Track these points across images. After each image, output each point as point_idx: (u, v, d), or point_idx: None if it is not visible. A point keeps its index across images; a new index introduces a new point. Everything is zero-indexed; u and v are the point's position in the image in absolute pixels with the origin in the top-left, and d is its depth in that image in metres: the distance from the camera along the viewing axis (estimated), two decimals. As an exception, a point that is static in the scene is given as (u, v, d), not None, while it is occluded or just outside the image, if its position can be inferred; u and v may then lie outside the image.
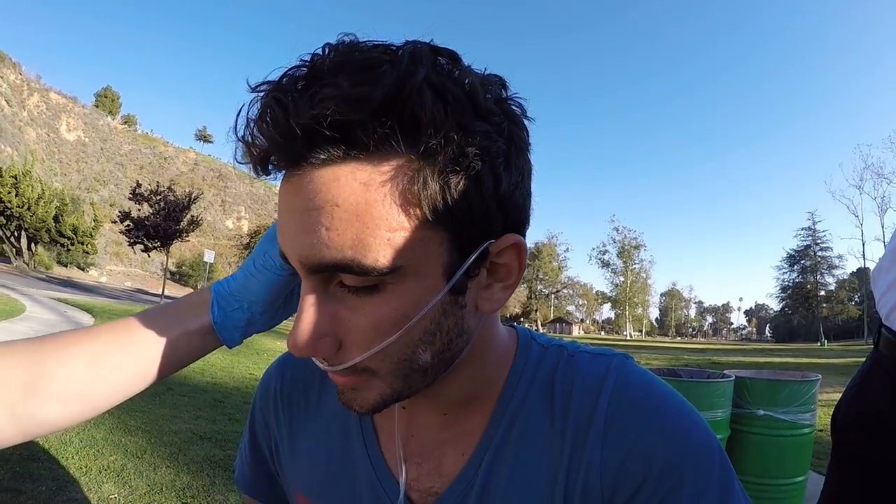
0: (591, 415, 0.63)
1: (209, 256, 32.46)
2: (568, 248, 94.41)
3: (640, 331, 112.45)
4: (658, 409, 0.63)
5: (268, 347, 13.55)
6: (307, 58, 0.51)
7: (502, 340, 0.70)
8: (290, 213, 0.53)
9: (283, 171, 0.53)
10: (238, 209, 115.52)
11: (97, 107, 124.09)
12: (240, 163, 0.55)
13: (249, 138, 0.52)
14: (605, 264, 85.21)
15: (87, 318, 13.02)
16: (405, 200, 0.50)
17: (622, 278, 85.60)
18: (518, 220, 0.58)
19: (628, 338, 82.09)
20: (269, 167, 0.53)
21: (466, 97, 0.51)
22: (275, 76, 0.52)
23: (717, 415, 3.60)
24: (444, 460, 0.69)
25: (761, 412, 3.70)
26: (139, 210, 32.02)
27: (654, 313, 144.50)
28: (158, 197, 31.73)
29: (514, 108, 0.56)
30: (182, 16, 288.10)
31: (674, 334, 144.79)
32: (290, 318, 0.68)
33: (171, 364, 0.72)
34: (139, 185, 32.45)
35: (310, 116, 0.47)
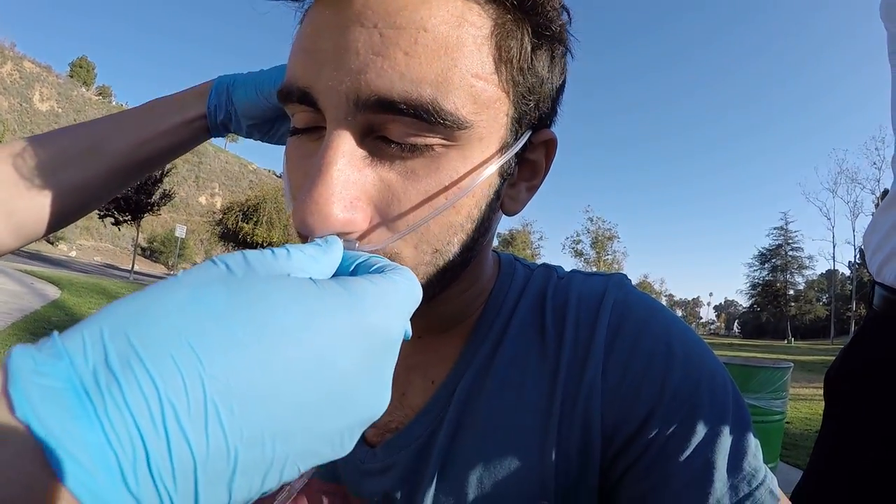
0: (590, 336, 0.55)
1: (180, 231, 32.10)
2: (542, 237, 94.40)
3: None
4: (666, 329, 0.55)
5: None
6: None
7: (489, 259, 0.61)
8: (347, 29, 0.42)
9: None
10: (212, 185, 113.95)
11: (72, 77, 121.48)
12: None
13: None
14: (579, 254, 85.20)
15: (52, 290, 12.76)
16: (495, 51, 0.45)
17: (595, 268, 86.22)
18: (553, 119, 0.54)
19: None
20: None
21: None
22: None
23: None
24: (409, 389, 0.60)
25: (759, 402, 3.70)
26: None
27: None
28: (128, 169, 31.14)
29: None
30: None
31: None
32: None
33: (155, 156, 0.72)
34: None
35: None
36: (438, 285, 0.49)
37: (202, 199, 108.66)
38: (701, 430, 0.50)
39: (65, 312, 10.11)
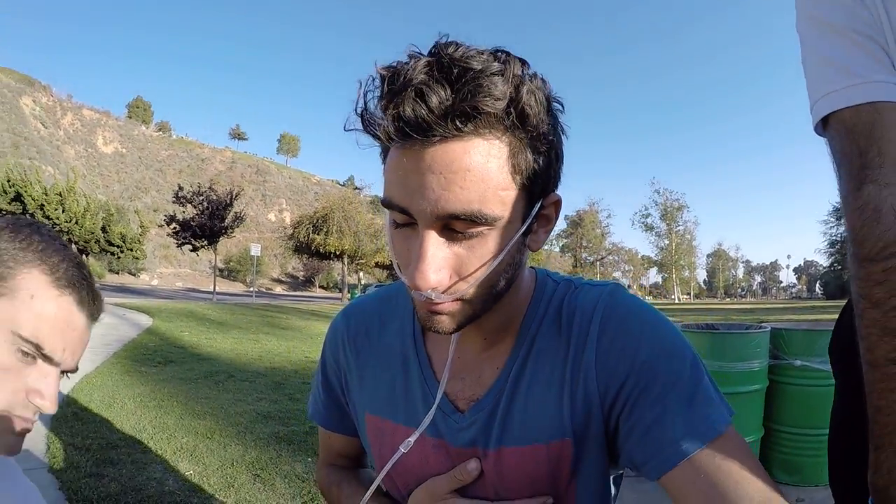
0: (587, 330, 0.84)
1: (255, 250, 33.15)
2: (610, 214, 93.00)
3: (689, 294, 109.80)
4: (639, 321, 0.83)
5: (320, 331, 13.88)
6: (416, 51, 0.66)
7: (527, 277, 0.90)
8: (426, 175, 0.65)
9: (411, 143, 0.65)
10: (279, 202, 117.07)
11: (130, 118, 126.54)
12: (369, 129, 0.68)
13: (397, 111, 0.63)
14: (649, 228, 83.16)
15: (144, 319, 13.53)
16: (511, 168, 0.68)
17: (667, 241, 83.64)
18: (557, 184, 0.78)
19: (677, 301, 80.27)
20: (402, 138, 0.65)
21: (546, 99, 0.70)
22: (385, 61, 0.67)
23: (753, 365, 3.59)
24: (482, 373, 0.89)
25: (798, 362, 3.68)
26: (184, 212, 32.60)
27: (701, 275, 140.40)
28: (201, 197, 32.23)
29: (556, 104, 0.74)
30: (201, 19, 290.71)
31: (722, 296, 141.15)
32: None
33: None
34: (181, 189, 32.97)
35: (454, 101, 0.63)
36: (491, 305, 0.77)
37: (271, 216, 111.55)
38: (661, 388, 0.77)
39: (159, 338, 10.70)
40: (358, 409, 1.00)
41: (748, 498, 0.67)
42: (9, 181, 32.79)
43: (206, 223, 31.25)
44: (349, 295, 44.71)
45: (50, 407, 0.78)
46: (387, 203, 0.71)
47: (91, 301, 0.84)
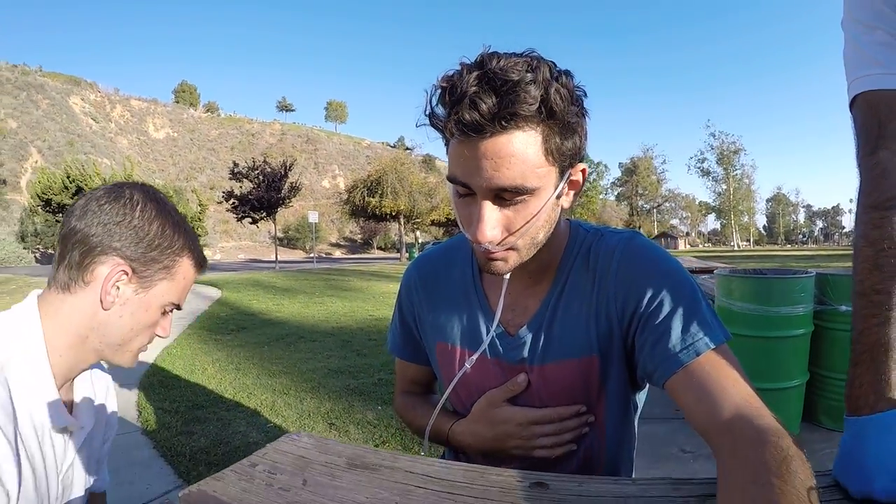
0: (608, 267, 1.04)
1: (313, 217, 33.62)
2: (665, 160, 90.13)
3: (748, 240, 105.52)
4: (650, 260, 1.02)
5: (382, 291, 14.19)
6: (466, 61, 0.85)
7: (563, 228, 1.10)
8: (482, 160, 0.85)
9: (468, 138, 0.84)
10: (331, 168, 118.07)
11: (178, 102, 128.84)
12: (436, 126, 0.89)
13: (458, 116, 0.82)
14: (706, 173, 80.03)
15: (213, 291, 14.07)
16: (544, 151, 0.87)
17: (724, 186, 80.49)
18: (583, 155, 0.96)
19: (736, 248, 77.41)
20: (462, 135, 0.85)
21: (569, 92, 0.86)
22: (447, 69, 0.87)
23: (798, 310, 3.56)
24: (527, 305, 1.11)
25: (844, 308, 3.62)
26: (241, 187, 33.21)
27: (760, 221, 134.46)
28: (256, 171, 32.73)
29: (579, 92, 0.90)
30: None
31: (783, 242, 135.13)
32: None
33: None
34: (236, 165, 33.43)
35: (499, 108, 0.81)
36: (535, 251, 0.98)
37: (325, 183, 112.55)
38: (666, 308, 0.95)
39: (230, 307, 11.13)
40: (429, 340, 1.24)
41: (730, 398, 0.82)
42: (69, 177, 33.92)
43: (263, 196, 31.81)
44: (407, 254, 45.24)
45: (167, 336, 1.11)
46: (452, 179, 0.92)
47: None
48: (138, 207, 1.01)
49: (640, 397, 1.20)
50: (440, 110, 0.87)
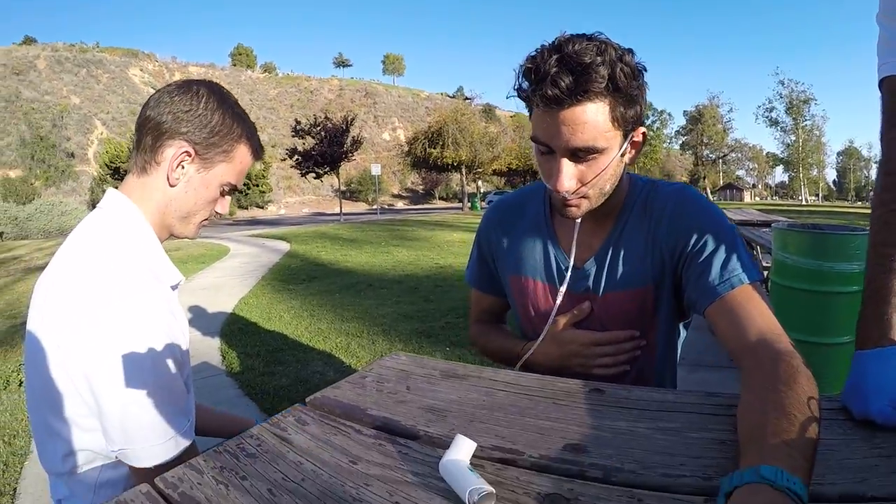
0: (662, 212, 1.21)
1: (376, 170, 33.91)
2: (731, 109, 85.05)
3: (817, 195, 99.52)
4: (697, 207, 1.20)
5: (446, 240, 14.31)
6: (546, 44, 1.03)
7: (624, 181, 1.25)
8: (561, 126, 1.02)
9: (550, 108, 1.02)
10: (391, 121, 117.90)
11: (234, 65, 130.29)
12: (523, 98, 1.08)
13: (542, 91, 1.00)
14: (774, 122, 74.97)
15: (282, 245, 14.50)
16: (612, 118, 1.04)
17: (793, 137, 75.85)
18: (643, 119, 1.12)
19: (804, 203, 73.34)
20: (546, 107, 1.02)
21: (631, 70, 1.02)
22: (530, 49, 1.05)
23: (853, 267, 3.43)
24: (592, 243, 1.27)
25: None
26: (303, 143, 33.66)
27: (830, 175, 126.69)
28: (318, 128, 33.06)
29: (640, 67, 1.07)
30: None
31: (853, 198, 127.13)
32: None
33: None
34: (298, 123, 33.62)
35: (575, 86, 0.99)
36: (603, 199, 1.16)
37: (385, 135, 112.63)
38: (709, 248, 1.12)
39: (299, 259, 11.47)
40: (505, 273, 1.41)
41: (756, 325, 0.98)
42: (133, 145, 34.90)
43: (326, 151, 32.17)
44: (469, 204, 45.17)
45: (225, 212, 1.25)
46: (535, 139, 1.09)
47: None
48: (203, 99, 1.14)
49: (682, 331, 1.38)
50: (526, 85, 1.05)
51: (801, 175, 78.19)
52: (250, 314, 6.33)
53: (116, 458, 0.99)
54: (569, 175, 1.08)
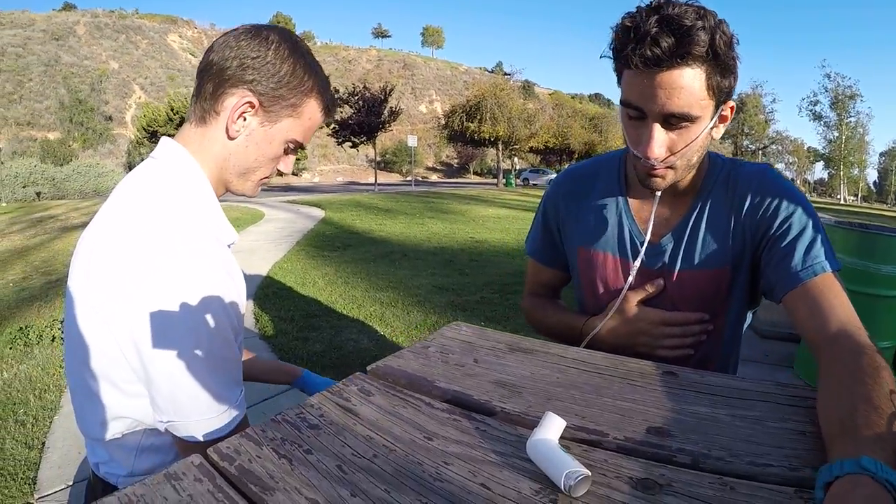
0: (745, 192, 1.15)
1: (412, 141, 33.77)
2: (774, 100, 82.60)
3: (856, 195, 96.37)
4: (781, 189, 1.13)
5: (481, 215, 14.24)
6: (645, 5, 0.98)
7: (706, 157, 1.18)
8: (657, 89, 0.97)
9: (647, 70, 0.96)
10: (428, 93, 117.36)
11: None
12: (619, 58, 1.01)
13: (641, 51, 0.95)
14: (817, 117, 72.68)
15: (316, 211, 14.56)
16: (707, 86, 0.98)
17: (836, 133, 73.45)
18: (733, 93, 1.06)
19: (842, 202, 71.27)
20: (644, 68, 0.96)
21: (728, 39, 0.98)
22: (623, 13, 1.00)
23: None
24: (670, 218, 1.21)
25: None
26: (341, 112, 33.66)
27: (871, 176, 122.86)
28: (356, 97, 33.04)
29: (735, 40, 1.01)
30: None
31: (893, 201, 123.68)
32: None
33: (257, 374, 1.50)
34: (336, 91, 33.74)
35: (675, 48, 0.94)
36: (688, 172, 1.12)
37: (422, 108, 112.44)
38: (794, 232, 1.07)
39: (334, 226, 11.50)
40: (572, 244, 1.34)
41: (837, 316, 0.95)
42: (172, 109, 35.34)
43: (363, 120, 32.18)
44: (504, 180, 44.90)
45: (288, 171, 1.15)
46: (625, 103, 1.04)
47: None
48: (273, 46, 1.03)
49: (748, 317, 1.33)
50: (621, 45, 1.00)
51: (841, 173, 76.13)
52: (285, 279, 6.34)
53: (165, 429, 0.92)
54: (660, 142, 1.02)
